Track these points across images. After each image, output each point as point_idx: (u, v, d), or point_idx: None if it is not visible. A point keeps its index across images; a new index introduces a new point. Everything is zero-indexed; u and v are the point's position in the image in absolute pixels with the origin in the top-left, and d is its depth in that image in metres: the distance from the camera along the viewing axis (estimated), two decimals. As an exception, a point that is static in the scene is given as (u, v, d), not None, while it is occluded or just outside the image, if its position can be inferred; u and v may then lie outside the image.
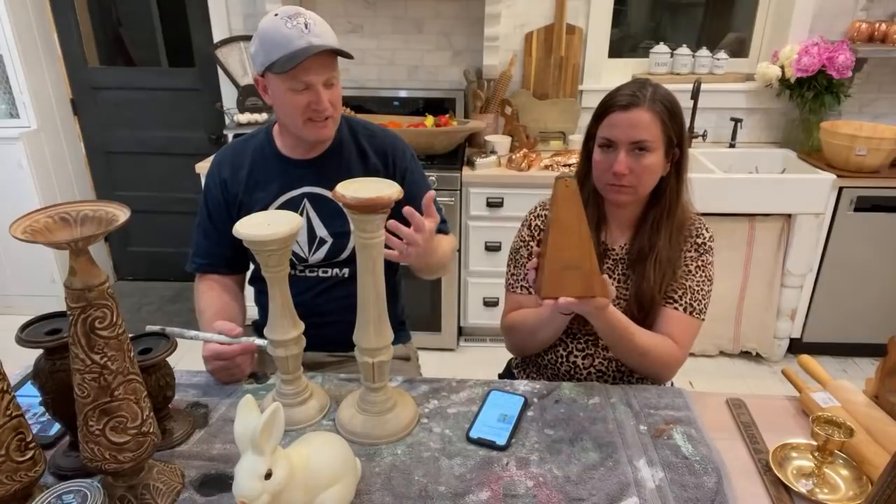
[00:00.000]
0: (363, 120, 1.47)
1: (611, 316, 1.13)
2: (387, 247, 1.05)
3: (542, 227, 1.35)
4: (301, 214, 1.37)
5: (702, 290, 1.27)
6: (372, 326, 0.99)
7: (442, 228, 1.50)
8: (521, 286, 1.36)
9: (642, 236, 1.27)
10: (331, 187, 0.97)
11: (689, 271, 1.26)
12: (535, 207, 1.39)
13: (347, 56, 1.26)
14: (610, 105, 1.20)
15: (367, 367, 1.02)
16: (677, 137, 1.21)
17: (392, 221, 1.06)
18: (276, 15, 1.22)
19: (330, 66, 1.25)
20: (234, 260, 1.42)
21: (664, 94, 1.20)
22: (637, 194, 1.22)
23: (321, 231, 1.38)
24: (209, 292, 1.39)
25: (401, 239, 1.09)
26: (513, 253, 1.39)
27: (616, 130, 1.18)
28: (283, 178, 1.38)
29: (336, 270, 1.42)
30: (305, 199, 1.38)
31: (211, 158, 2.66)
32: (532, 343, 1.34)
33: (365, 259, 0.96)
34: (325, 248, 1.39)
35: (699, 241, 1.29)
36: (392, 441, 1.03)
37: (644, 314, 1.26)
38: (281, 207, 1.37)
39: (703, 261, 1.28)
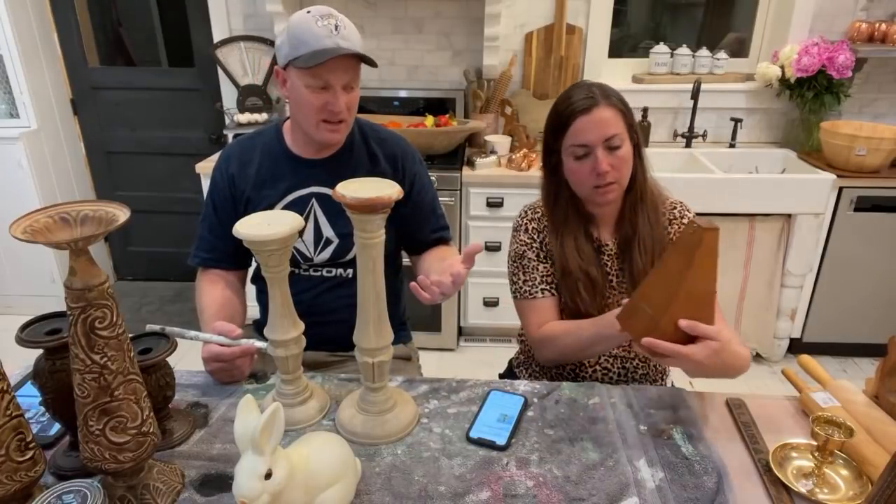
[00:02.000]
0: (372, 122, 1.47)
1: (712, 368, 1.02)
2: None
3: (539, 228, 1.35)
4: (308, 214, 1.38)
5: None
6: (372, 326, 0.99)
7: (444, 236, 1.48)
8: (542, 290, 1.31)
9: (624, 224, 1.29)
10: None
11: None
12: (526, 212, 1.37)
13: (372, 64, 1.26)
14: (569, 113, 1.21)
15: (367, 367, 1.02)
16: (633, 123, 1.25)
17: (425, 280, 1.06)
18: (308, 12, 1.23)
19: (352, 71, 1.26)
20: (236, 256, 1.42)
21: (610, 88, 1.25)
22: (621, 188, 1.24)
23: (328, 231, 1.38)
24: (211, 288, 1.39)
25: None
26: (518, 259, 1.35)
27: (588, 134, 1.19)
28: (293, 176, 1.38)
29: (340, 270, 1.42)
30: (313, 199, 1.38)
31: (211, 158, 2.68)
32: (582, 354, 1.29)
33: (365, 259, 0.96)
34: (331, 248, 1.39)
35: (685, 221, 1.31)
36: (392, 441, 1.03)
37: None
38: (288, 206, 1.37)
39: None
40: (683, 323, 0.99)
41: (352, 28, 1.26)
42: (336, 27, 1.22)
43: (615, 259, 1.32)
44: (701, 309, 0.99)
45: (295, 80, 1.26)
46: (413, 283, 1.07)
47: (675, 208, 1.33)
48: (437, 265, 1.30)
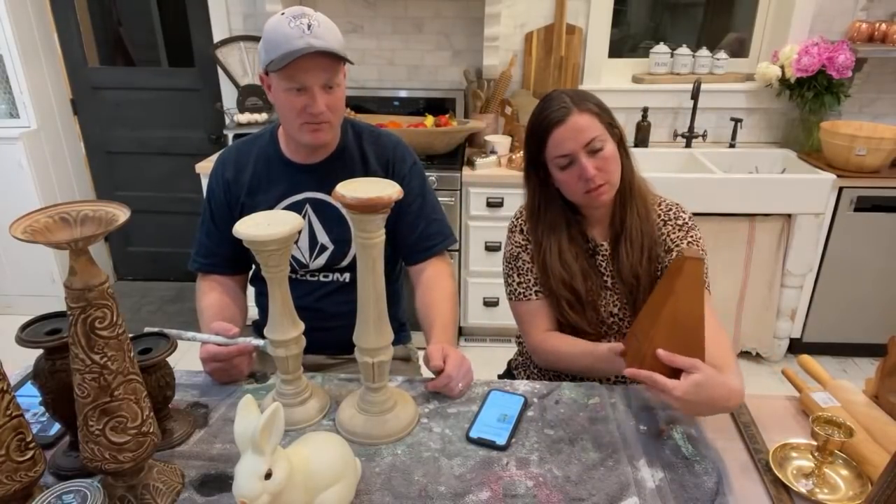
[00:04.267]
0: (370, 124, 1.46)
1: (698, 404, 0.99)
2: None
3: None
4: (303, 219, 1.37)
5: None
6: (372, 326, 0.99)
7: (435, 247, 1.41)
8: (536, 291, 1.31)
9: (614, 220, 1.29)
10: None
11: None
12: (522, 212, 1.37)
13: (346, 61, 1.24)
14: (546, 126, 1.21)
15: (367, 367, 1.02)
16: (612, 121, 1.24)
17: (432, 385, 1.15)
18: (282, 14, 1.21)
19: (329, 70, 1.22)
20: (235, 260, 1.42)
21: (585, 93, 1.24)
22: (613, 187, 1.24)
23: (322, 237, 1.38)
24: (210, 292, 1.38)
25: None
26: (512, 261, 1.35)
27: (567, 143, 1.19)
28: (286, 182, 1.37)
29: (336, 275, 1.41)
30: (307, 205, 1.37)
31: (211, 158, 2.68)
32: (575, 371, 1.31)
33: (365, 259, 0.96)
34: (326, 254, 1.38)
35: (679, 222, 1.30)
36: (392, 441, 1.03)
37: (634, 297, 1.28)
38: None
39: (692, 237, 1.29)
40: (661, 353, 0.97)
41: (328, 27, 1.22)
42: (309, 26, 1.18)
43: (610, 260, 1.31)
44: (686, 340, 0.97)
45: (275, 85, 1.24)
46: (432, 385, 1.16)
47: (670, 210, 1.32)
48: (423, 310, 1.38)
